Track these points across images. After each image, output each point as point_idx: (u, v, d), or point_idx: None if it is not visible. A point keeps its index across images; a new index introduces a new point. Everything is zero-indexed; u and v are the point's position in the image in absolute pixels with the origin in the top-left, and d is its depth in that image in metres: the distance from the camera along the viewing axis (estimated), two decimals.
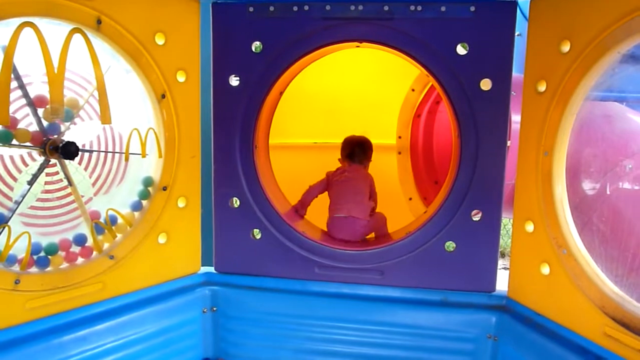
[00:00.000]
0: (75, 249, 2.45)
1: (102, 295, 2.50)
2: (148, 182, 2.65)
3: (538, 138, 2.38)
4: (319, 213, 3.42)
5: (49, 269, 2.34)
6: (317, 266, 2.85)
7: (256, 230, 2.89)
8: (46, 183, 2.35)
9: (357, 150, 3.35)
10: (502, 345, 2.62)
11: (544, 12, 2.39)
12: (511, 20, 2.54)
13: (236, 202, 2.90)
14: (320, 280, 2.86)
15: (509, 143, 2.65)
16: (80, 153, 2.34)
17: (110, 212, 2.54)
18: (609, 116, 2.62)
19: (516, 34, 2.57)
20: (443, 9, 2.56)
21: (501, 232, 2.75)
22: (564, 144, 2.30)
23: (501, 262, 2.74)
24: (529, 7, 2.47)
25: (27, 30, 2.04)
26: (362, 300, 2.80)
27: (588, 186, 2.47)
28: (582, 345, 2.21)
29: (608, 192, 2.45)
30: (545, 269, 2.38)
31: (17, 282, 2.18)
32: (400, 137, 4.15)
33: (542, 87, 2.37)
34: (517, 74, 2.57)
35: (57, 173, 2.36)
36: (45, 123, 2.26)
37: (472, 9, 2.54)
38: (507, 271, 2.68)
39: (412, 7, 2.59)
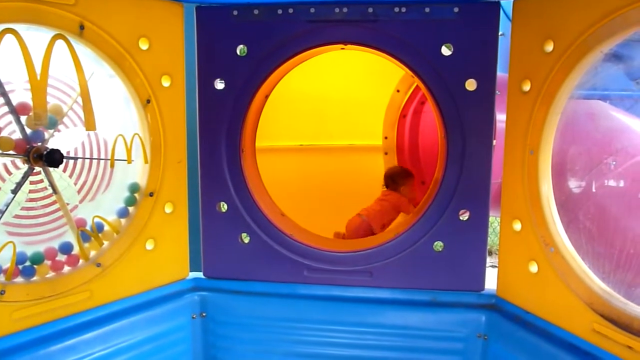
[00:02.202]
0: (62, 257, 2.42)
1: (89, 303, 2.47)
2: (134, 188, 2.63)
3: (524, 137, 2.40)
4: (312, 218, 3.43)
5: (34, 278, 2.31)
6: (306, 269, 2.84)
7: (244, 235, 2.88)
8: (30, 191, 2.32)
9: (389, 181, 4.09)
10: (492, 344, 2.63)
11: (527, 13, 2.40)
12: (495, 20, 2.55)
13: (224, 206, 2.88)
14: (309, 283, 2.85)
15: (494, 142, 2.66)
16: (64, 160, 2.31)
17: (97, 220, 2.51)
18: (593, 114, 2.65)
19: (499, 33, 2.58)
20: (427, 10, 2.57)
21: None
22: (549, 143, 2.32)
23: (488, 260, 2.75)
24: (512, 8, 2.49)
25: (9, 37, 2.02)
26: (351, 302, 2.80)
27: (573, 184, 2.50)
28: (571, 342, 2.23)
29: (593, 190, 2.48)
30: (534, 267, 2.40)
31: (2, 292, 2.15)
32: (386, 138, 4.17)
33: (526, 87, 2.39)
34: (501, 74, 2.59)
35: (41, 181, 2.33)
36: (28, 131, 2.23)
37: (456, 9, 2.55)
38: (495, 269, 2.70)
39: (397, 9, 2.59)
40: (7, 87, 2.14)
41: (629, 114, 2.89)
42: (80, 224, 2.47)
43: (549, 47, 2.26)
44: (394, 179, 4.07)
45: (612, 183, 2.50)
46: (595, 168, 2.52)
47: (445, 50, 2.61)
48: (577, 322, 2.21)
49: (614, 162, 2.51)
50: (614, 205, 2.44)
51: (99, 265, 2.48)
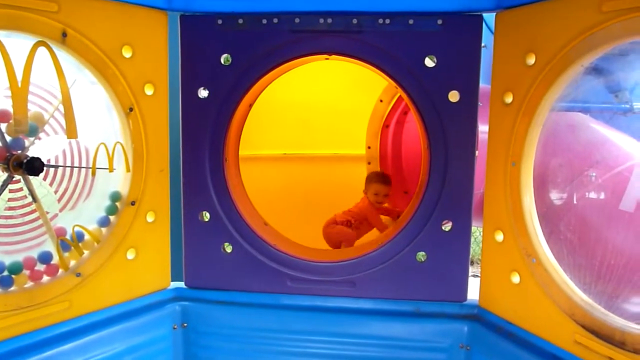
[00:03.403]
0: (41, 267, 2.37)
1: (68, 314, 2.43)
2: (116, 197, 2.60)
3: (506, 149, 2.42)
4: (295, 227, 3.42)
5: (12, 288, 2.26)
6: (290, 279, 2.83)
7: (227, 244, 2.86)
8: (9, 199, 2.28)
9: None
10: (475, 355, 2.64)
11: (509, 26, 2.43)
12: (477, 33, 2.58)
13: (206, 215, 2.86)
14: (292, 294, 2.83)
15: (476, 153, 2.68)
16: (45, 168, 2.28)
17: (77, 229, 2.47)
18: (574, 126, 2.68)
19: (482, 45, 2.61)
20: (411, 22, 2.59)
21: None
22: (531, 154, 2.34)
23: (470, 270, 2.77)
24: (495, 20, 2.52)
25: None
26: (335, 313, 2.79)
27: (555, 195, 2.53)
28: (553, 353, 2.24)
29: (574, 201, 2.50)
30: (516, 278, 2.42)
31: None
32: (369, 148, 4.19)
33: (508, 99, 2.42)
34: (483, 85, 2.61)
35: (21, 189, 2.30)
36: (8, 138, 2.20)
37: (440, 22, 2.57)
38: (477, 279, 2.71)
39: (381, 20, 2.61)
40: None
41: (608, 126, 2.93)
42: (60, 233, 2.43)
43: (531, 60, 2.29)
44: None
45: (592, 194, 2.53)
46: (576, 179, 2.55)
47: (429, 62, 2.62)
48: (559, 333, 2.22)
49: (594, 174, 2.54)
50: (594, 216, 2.47)
51: (78, 275, 2.45)
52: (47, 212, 2.39)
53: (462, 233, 2.70)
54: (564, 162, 2.53)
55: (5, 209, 2.27)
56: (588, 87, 2.32)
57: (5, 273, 2.26)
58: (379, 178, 3.96)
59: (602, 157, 2.64)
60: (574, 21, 2.08)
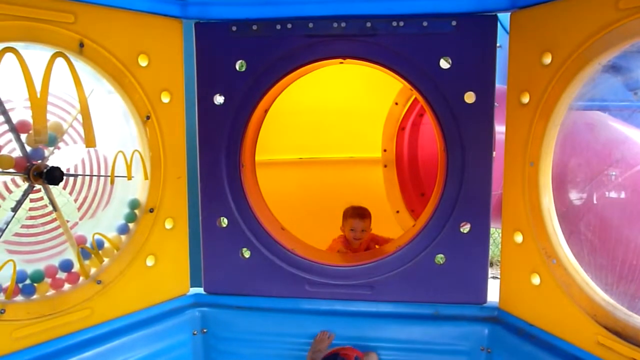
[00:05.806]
0: (62, 275, 2.41)
1: (90, 321, 2.46)
2: (134, 204, 2.62)
3: (523, 149, 2.40)
4: (312, 231, 3.42)
5: (35, 297, 2.30)
6: (308, 284, 2.83)
7: (245, 249, 2.87)
8: (30, 209, 2.31)
9: None
10: (496, 357, 2.62)
11: (524, 25, 2.42)
12: (492, 33, 2.56)
13: (224, 221, 2.87)
14: (311, 298, 2.83)
15: (494, 153, 2.66)
16: (65, 177, 2.31)
17: (97, 236, 2.50)
18: (592, 125, 2.65)
19: (497, 45, 2.60)
20: (425, 24, 2.58)
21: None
22: (549, 154, 2.32)
23: (490, 272, 2.75)
24: (510, 20, 2.50)
25: (9, 56, 2.02)
26: (353, 317, 2.79)
27: (574, 195, 2.49)
28: (575, 355, 2.22)
29: (594, 201, 2.47)
30: (536, 279, 2.39)
31: (2, 311, 2.14)
32: (385, 151, 4.17)
33: (525, 99, 2.40)
34: (499, 85, 2.59)
35: (41, 198, 2.33)
36: (28, 148, 2.23)
37: (454, 23, 2.56)
38: (496, 280, 2.69)
39: (394, 23, 2.60)
40: (7, 106, 2.14)
41: (627, 124, 2.89)
42: (80, 241, 2.47)
43: (547, 59, 2.27)
44: None
45: (612, 194, 2.50)
46: (595, 179, 2.51)
47: (444, 64, 2.61)
48: (581, 334, 2.20)
49: (614, 173, 2.50)
50: (615, 215, 2.43)
51: (99, 282, 2.47)
52: (68, 221, 2.42)
53: (481, 235, 2.68)
54: (582, 162, 2.49)
55: (26, 219, 2.30)
56: (606, 85, 2.29)
57: (28, 282, 2.29)
58: (355, 213, 3.55)
59: (621, 155, 2.60)
60: (590, 19, 2.06)
